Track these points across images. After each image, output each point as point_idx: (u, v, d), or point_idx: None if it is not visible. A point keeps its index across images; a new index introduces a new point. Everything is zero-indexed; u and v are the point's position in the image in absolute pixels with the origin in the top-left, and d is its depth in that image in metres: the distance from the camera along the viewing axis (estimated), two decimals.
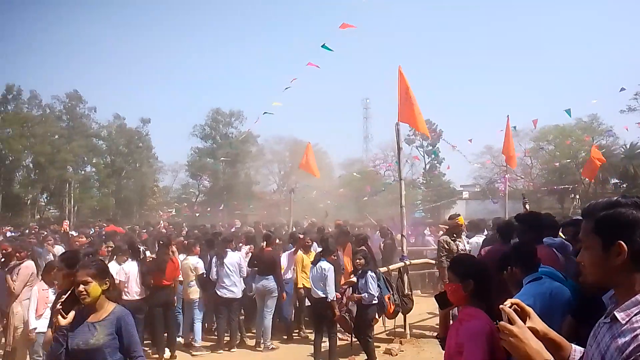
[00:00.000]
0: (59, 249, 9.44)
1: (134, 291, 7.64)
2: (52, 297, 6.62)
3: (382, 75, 74.78)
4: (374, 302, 7.25)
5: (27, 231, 15.13)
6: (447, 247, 8.21)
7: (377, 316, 7.98)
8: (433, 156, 46.60)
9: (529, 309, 1.80)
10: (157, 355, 7.93)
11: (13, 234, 14.74)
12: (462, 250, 8.16)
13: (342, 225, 13.41)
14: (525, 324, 1.71)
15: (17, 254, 7.56)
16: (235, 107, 50.80)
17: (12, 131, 39.33)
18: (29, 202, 41.31)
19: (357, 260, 7.42)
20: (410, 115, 9.25)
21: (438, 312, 3.46)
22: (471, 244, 8.76)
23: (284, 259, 9.28)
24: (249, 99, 78.08)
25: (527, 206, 7.38)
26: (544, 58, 75.37)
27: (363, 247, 8.67)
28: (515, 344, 1.65)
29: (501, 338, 1.69)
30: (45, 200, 44.74)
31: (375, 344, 8.46)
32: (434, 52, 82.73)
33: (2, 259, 7.84)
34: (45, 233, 13.88)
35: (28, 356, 6.76)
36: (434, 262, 10.90)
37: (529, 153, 39.80)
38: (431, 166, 48.63)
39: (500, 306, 1.77)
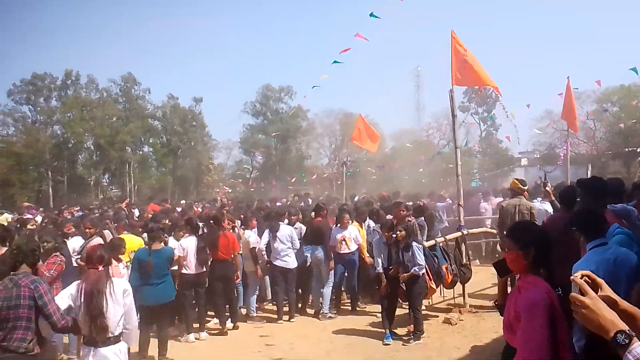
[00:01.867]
0: None
1: (193, 266, 7.87)
2: (124, 272, 6.96)
3: (434, 43, 72.70)
4: (422, 272, 7.23)
5: (97, 211, 15.80)
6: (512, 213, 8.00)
7: (434, 286, 7.94)
8: (489, 122, 45.23)
9: (600, 280, 1.74)
10: (220, 326, 8.18)
11: (81, 213, 15.44)
12: (539, 210, 7.97)
13: (388, 197, 13.35)
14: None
15: (88, 230, 7.96)
16: (284, 82, 50.98)
17: (73, 115, 41.02)
18: (92, 182, 43.21)
19: (398, 232, 7.34)
20: (472, 76, 8.99)
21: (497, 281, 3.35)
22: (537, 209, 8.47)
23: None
24: (298, 73, 78.11)
25: (548, 187, 7.07)
26: (606, 13, 71.14)
27: (415, 218, 8.61)
28: (587, 315, 1.59)
29: (572, 310, 1.63)
30: (108, 180, 46.71)
31: (434, 313, 8.46)
32: (488, 15, 79.43)
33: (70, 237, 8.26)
34: (110, 212, 14.47)
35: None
36: (493, 231, 10.70)
37: (592, 115, 37.91)
38: (487, 133, 47.22)
39: (571, 277, 1.70)
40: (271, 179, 40.83)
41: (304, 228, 9.36)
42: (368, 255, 8.96)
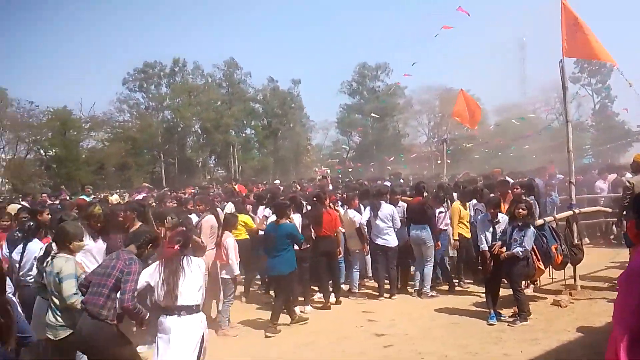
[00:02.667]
0: (230, 206, 10.45)
1: None
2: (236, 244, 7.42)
3: (540, 13, 68.07)
4: (523, 255, 6.97)
5: (213, 190, 16.86)
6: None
7: (542, 267, 7.64)
8: (604, 94, 41.88)
9: None
10: (324, 301, 8.43)
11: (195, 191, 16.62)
12: None
13: (498, 174, 12.84)
14: None
15: (198, 207, 8.55)
16: (381, 60, 50.30)
17: (181, 100, 43.50)
18: (200, 164, 45.78)
19: (520, 211, 7.08)
20: (585, 48, 8.39)
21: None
22: None
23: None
24: (395, 50, 76.81)
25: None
26: None
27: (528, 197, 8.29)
28: None
29: None
30: (214, 162, 49.20)
31: (543, 295, 8.15)
32: None
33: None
34: (217, 191, 15.41)
35: (214, 303, 7.68)
36: (607, 209, 10.03)
37: None
38: (602, 106, 43.71)
39: None
40: (368, 158, 40.86)
41: (405, 207, 9.34)
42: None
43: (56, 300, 4.62)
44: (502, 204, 7.81)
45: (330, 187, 14.63)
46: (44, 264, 4.84)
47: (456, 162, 30.58)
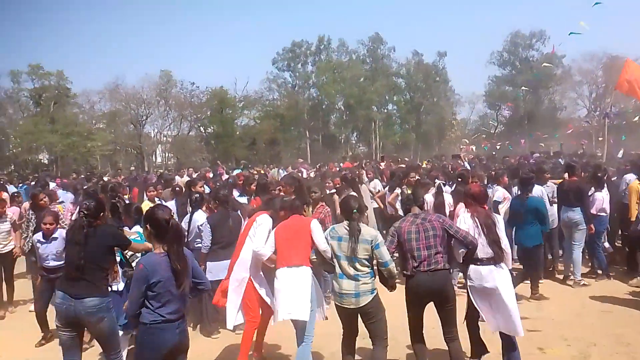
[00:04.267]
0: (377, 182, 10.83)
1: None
2: None
3: None
4: None
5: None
6: None
7: None
8: None
9: None
10: None
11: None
12: None
13: None
14: None
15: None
16: (536, 27, 46.58)
17: (326, 78, 44.65)
18: (342, 140, 46.81)
19: None
20: None
21: None
22: None
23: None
24: (552, 16, 70.74)
25: None
26: None
27: None
28: None
29: None
30: (356, 138, 49.97)
31: None
32: None
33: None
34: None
35: None
36: None
37: None
38: None
39: None
40: (518, 134, 38.51)
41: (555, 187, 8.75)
42: None
43: (350, 269, 4.57)
44: None
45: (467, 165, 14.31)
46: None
47: (620, 138, 27.55)
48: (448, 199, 8.00)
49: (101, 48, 76.56)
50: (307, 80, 46.81)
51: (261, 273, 5.43)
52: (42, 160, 39.70)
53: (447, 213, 7.60)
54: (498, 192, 8.53)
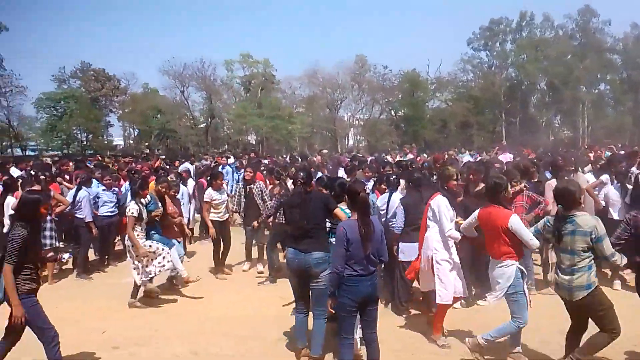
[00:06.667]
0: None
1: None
2: None
3: None
4: None
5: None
6: None
7: None
8: None
9: None
10: None
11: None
12: None
13: None
14: None
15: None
16: None
17: (526, 56, 41.53)
18: (543, 123, 43.16)
19: None
20: None
21: None
22: None
23: None
24: None
25: None
26: None
27: None
28: None
29: None
30: (559, 121, 45.75)
31: None
32: None
33: None
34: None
35: None
36: None
37: None
38: None
39: None
40: None
41: None
42: None
43: (565, 261, 4.40)
44: None
45: None
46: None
47: None
48: None
49: (300, 36, 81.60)
50: (506, 59, 44.12)
51: (452, 254, 5.47)
52: (250, 141, 44.03)
53: None
54: None
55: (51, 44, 73.79)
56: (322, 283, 4.94)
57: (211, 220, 8.58)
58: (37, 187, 7.70)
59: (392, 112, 45.33)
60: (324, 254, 4.98)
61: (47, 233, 8.12)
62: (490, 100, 42.39)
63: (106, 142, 44.42)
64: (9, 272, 4.23)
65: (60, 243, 9.11)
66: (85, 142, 43.42)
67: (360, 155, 19.60)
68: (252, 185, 8.78)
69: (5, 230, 7.97)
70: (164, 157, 22.80)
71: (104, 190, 9.41)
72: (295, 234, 5.18)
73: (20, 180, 9.02)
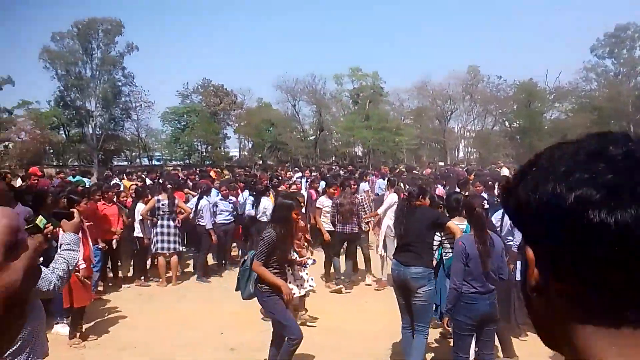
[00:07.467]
0: None
1: None
2: None
3: None
4: None
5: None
6: None
7: None
8: None
9: None
10: None
11: None
12: None
13: None
14: None
15: None
16: None
17: None
18: None
19: None
20: None
21: None
22: None
23: None
24: None
25: None
26: None
27: None
28: None
29: None
30: None
31: None
32: None
33: None
34: None
35: None
36: None
37: None
38: None
39: None
40: None
41: None
42: None
43: None
44: None
45: None
46: None
47: None
48: None
49: (410, 48, 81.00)
50: (634, 67, 40.51)
51: None
52: (357, 153, 44.34)
53: None
54: None
55: (175, 61, 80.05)
56: (422, 299, 4.91)
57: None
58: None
59: (507, 124, 43.42)
60: (423, 269, 4.95)
61: (172, 238, 8.80)
62: (616, 110, 39.06)
63: (223, 153, 46.82)
64: (259, 266, 4.64)
65: (182, 247, 9.82)
66: (204, 153, 46.18)
67: (478, 169, 18.92)
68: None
69: (135, 234, 8.77)
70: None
71: (221, 199, 10.01)
72: (398, 246, 5.35)
73: (149, 190, 9.87)
